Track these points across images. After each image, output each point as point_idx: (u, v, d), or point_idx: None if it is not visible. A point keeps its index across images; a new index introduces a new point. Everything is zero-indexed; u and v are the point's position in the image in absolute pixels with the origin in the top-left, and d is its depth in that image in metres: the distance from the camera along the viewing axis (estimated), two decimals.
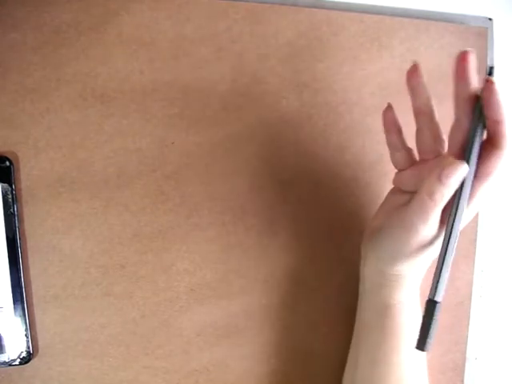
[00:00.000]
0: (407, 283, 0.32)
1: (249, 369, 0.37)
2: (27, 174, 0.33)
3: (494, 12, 0.40)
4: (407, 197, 0.31)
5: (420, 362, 0.35)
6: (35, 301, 0.34)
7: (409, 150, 0.32)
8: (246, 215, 0.36)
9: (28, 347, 0.33)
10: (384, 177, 0.38)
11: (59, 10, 0.33)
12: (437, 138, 0.30)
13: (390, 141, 0.32)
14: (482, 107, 0.26)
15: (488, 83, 0.25)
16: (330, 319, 0.38)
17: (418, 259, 0.30)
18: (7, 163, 0.32)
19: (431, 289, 0.28)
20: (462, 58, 0.26)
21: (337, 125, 0.38)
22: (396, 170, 0.33)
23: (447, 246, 0.27)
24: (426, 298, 0.28)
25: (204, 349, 0.36)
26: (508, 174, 0.41)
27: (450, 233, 0.27)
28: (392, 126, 0.31)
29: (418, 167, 0.31)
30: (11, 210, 0.32)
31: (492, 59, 0.40)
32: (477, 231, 0.41)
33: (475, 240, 0.40)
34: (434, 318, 0.27)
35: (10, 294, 0.33)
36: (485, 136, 0.27)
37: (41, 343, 0.34)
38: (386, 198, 0.34)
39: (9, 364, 0.33)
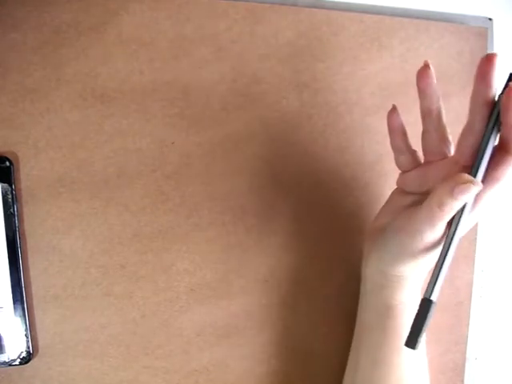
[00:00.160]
0: (409, 284, 0.31)
1: (249, 369, 0.37)
2: (27, 174, 0.33)
3: (494, 12, 0.40)
4: (411, 198, 0.31)
5: (421, 363, 0.35)
6: (35, 301, 0.34)
7: (413, 153, 0.31)
8: (246, 215, 0.36)
9: (28, 347, 0.33)
10: (383, 177, 0.38)
11: (59, 9, 0.33)
12: (443, 139, 0.29)
13: (395, 144, 0.31)
14: (499, 112, 0.26)
15: (509, 89, 0.25)
16: (331, 319, 0.38)
17: (421, 261, 0.29)
18: (7, 163, 0.32)
19: (427, 288, 0.27)
20: (487, 61, 0.25)
21: (337, 125, 0.38)
22: (398, 170, 0.33)
23: (448, 247, 0.27)
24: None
25: (204, 349, 0.36)
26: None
27: (453, 235, 0.27)
28: (396, 129, 0.31)
29: (424, 169, 0.31)
30: (11, 210, 0.32)
31: None
32: (477, 231, 0.41)
33: (475, 240, 0.40)
34: (428, 317, 0.27)
35: (10, 294, 0.33)
36: (496, 141, 0.27)
37: (41, 343, 0.34)
38: (390, 198, 0.34)
39: (9, 364, 0.33)
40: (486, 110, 0.26)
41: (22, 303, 0.33)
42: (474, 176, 0.26)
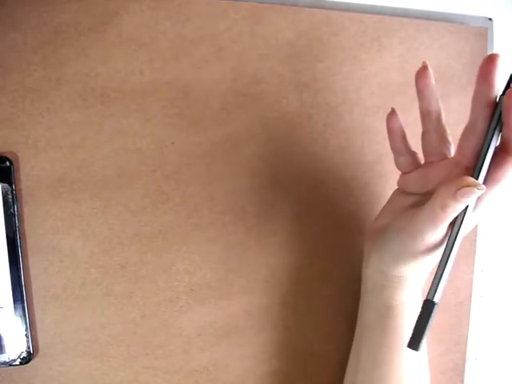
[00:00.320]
0: (409, 285, 0.31)
1: (249, 369, 0.37)
2: (27, 174, 0.33)
3: (494, 12, 0.40)
4: (413, 198, 0.31)
5: (421, 363, 0.35)
6: (35, 301, 0.34)
7: (413, 154, 0.31)
8: (247, 215, 0.36)
9: (28, 347, 0.33)
10: (383, 177, 0.38)
11: (59, 9, 0.33)
12: (443, 140, 0.29)
13: (394, 146, 0.31)
14: (501, 113, 0.26)
15: (510, 90, 0.25)
16: (331, 319, 0.38)
17: (422, 262, 0.29)
18: (7, 163, 0.32)
19: (430, 289, 0.27)
20: (489, 61, 0.25)
21: (336, 125, 0.38)
22: (398, 170, 0.33)
23: (451, 249, 0.27)
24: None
25: (204, 349, 0.36)
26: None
27: (456, 236, 0.27)
28: (396, 132, 0.31)
29: (424, 170, 0.31)
30: (11, 210, 0.32)
31: None
32: (477, 231, 0.41)
33: (475, 240, 0.40)
34: (431, 318, 0.27)
35: (10, 294, 0.33)
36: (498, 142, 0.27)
37: (41, 343, 0.34)
38: (391, 198, 0.34)
39: (9, 364, 0.33)
40: (488, 111, 0.26)
41: (23, 303, 0.33)
42: (476, 177, 0.26)
